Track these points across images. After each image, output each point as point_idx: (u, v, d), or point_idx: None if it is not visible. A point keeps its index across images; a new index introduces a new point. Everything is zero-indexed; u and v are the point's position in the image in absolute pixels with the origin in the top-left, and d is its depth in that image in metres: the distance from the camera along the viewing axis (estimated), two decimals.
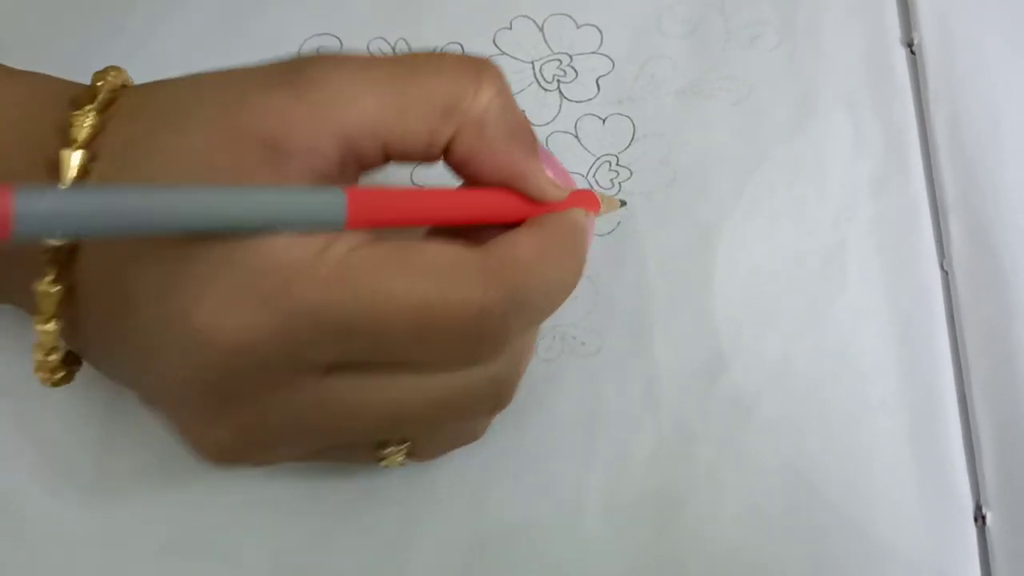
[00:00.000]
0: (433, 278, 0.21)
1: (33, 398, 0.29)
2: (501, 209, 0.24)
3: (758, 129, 0.33)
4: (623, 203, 0.31)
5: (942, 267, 0.32)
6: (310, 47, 0.35)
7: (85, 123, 0.22)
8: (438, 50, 0.35)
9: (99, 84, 0.24)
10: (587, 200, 0.26)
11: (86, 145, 0.22)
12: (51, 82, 0.25)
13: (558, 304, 0.24)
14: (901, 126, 0.33)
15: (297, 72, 0.21)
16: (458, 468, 0.29)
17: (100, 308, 0.22)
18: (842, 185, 0.33)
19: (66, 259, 0.22)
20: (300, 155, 0.21)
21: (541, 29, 0.35)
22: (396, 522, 0.29)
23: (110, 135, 0.23)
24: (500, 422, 0.29)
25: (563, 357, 0.30)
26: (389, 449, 0.25)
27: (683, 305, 0.31)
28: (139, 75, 0.25)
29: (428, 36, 0.35)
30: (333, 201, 0.21)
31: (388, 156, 0.23)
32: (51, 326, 0.22)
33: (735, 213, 0.32)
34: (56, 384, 0.24)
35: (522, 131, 0.24)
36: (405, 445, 0.25)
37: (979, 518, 0.29)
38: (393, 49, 0.35)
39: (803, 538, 0.29)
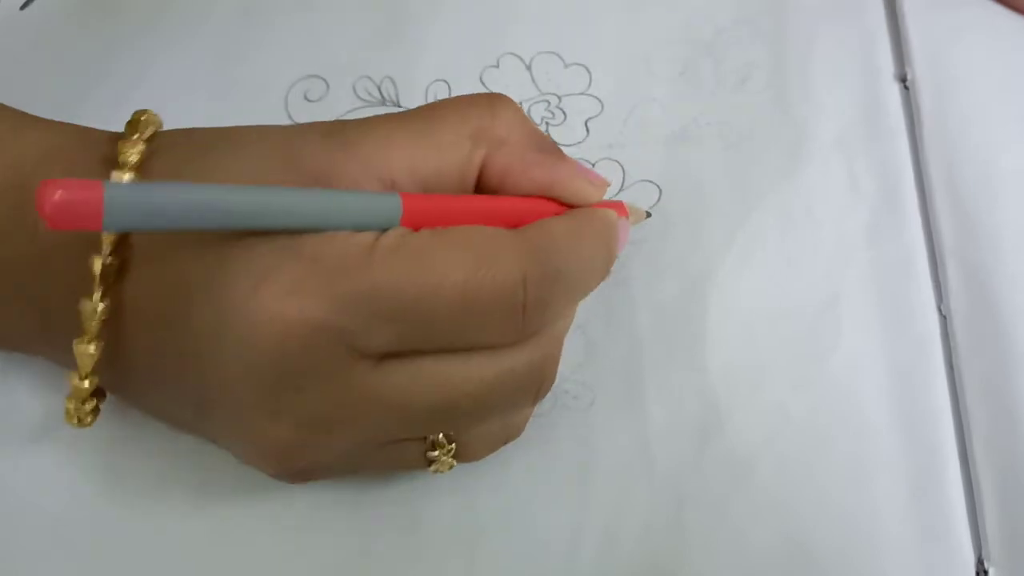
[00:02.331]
0: (476, 249, 0.22)
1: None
2: (542, 213, 0.25)
3: (749, 175, 0.33)
4: (648, 214, 0.32)
5: (940, 311, 0.31)
6: (298, 90, 0.35)
7: (134, 150, 0.23)
8: (425, 88, 0.35)
9: (142, 118, 0.25)
10: (617, 207, 0.27)
11: (136, 169, 0.23)
12: (94, 130, 0.26)
13: (590, 286, 0.25)
14: (895, 168, 0.33)
15: (342, 130, 0.24)
16: (448, 526, 0.29)
17: (153, 316, 0.23)
18: (835, 232, 0.32)
19: (113, 278, 0.23)
20: None
21: (529, 68, 0.35)
22: None
23: (159, 160, 0.24)
24: (490, 477, 0.29)
25: (555, 412, 0.30)
26: (438, 451, 0.26)
27: (676, 359, 0.31)
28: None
29: (414, 75, 0.35)
30: (390, 203, 0.22)
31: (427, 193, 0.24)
32: (92, 348, 0.23)
33: (726, 263, 0.32)
34: (82, 420, 0.24)
35: (546, 142, 0.26)
36: (452, 446, 0.26)
37: (981, 572, 0.28)
38: (379, 88, 0.35)
39: None
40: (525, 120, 0.26)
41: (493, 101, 0.25)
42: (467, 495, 0.29)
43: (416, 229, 0.23)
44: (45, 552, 0.28)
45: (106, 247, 0.23)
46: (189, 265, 0.22)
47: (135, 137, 0.24)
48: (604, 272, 0.26)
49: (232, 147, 0.24)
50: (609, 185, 0.27)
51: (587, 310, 0.30)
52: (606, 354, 0.31)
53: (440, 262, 0.22)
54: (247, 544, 0.28)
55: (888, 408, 0.30)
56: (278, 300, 0.21)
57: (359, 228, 0.22)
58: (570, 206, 0.26)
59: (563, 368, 0.30)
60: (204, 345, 0.22)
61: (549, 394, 0.30)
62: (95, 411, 0.25)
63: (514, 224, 0.24)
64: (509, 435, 0.27)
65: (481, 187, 0.25)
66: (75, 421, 0.24)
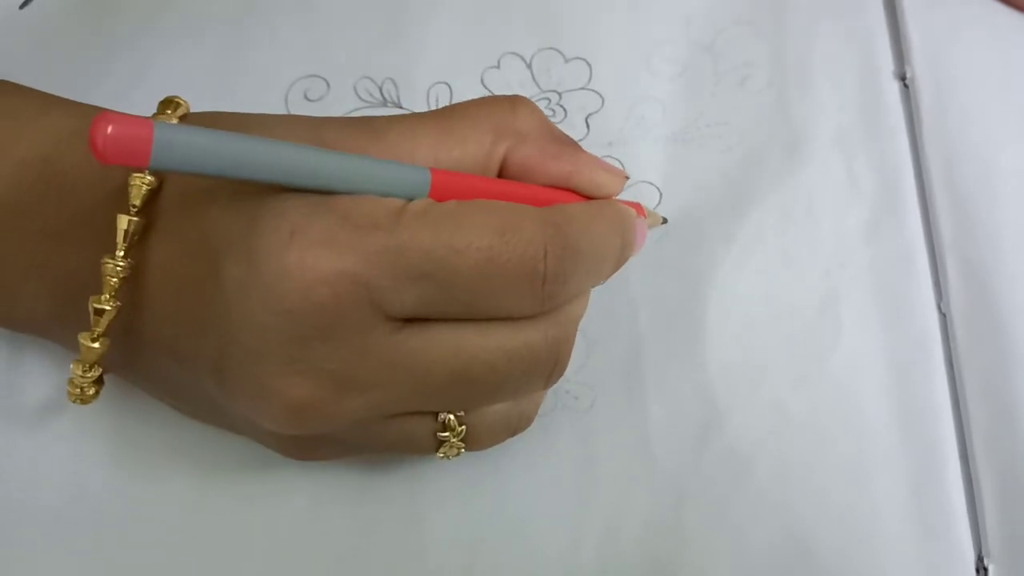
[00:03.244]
0: (499, 219, 0.23)
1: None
2: (563, 201, 0.26)
3: (748, 175, 0.33)
4: (664, 220, 0.32)
5: (940, 309, 0.31)
6: (298, 89, 0.35)
7: (174, 115, 0.25)
8: (427, 89, 0.35)
9: (173, 100, 0.25)
10: (636, 207, 0.28)
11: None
12: (114, 112, 0.26)
13: (604, 269, 0.26)
14: (895, 166, 0.33)
15: (367, 122, 0.25)
16: (449, 526, 0.29)
17: (177, 271, 0.24)
18: (835, 231, 0.32)
19: (138, 237, 0.24)
20: None
21: (529, 66, 0.35)
22: None
23: (196, 120, 0.25)
24: (491, 478, 0.29)
25: (556, 412, 0.30)
26: (448, 433, 0.26)
27: (676, 358, 0.31)
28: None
29: (415, 76, 0.35)
30: (419, 175, 0.23)
31: None
32: (109, 305, 0.23)
33: (726, 262, 0.32)
34: (85, 401, 0.25)
35: (564, 136, 0.27)
36: (462, 428, 0.26)
37: (981, 569, 0.29)
38: (380, 89, 0.35)
39: None
40: (543, 117, 0.26)
41: (514, 100, 0.26)
42: (468, 494, 0.29)
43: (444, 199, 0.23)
44: (47, 540, 0.28)
45: (136, 202, 0.24)
46: (220, 222, 0.23)
47: (169, 113, 0.25)
48: (618, 258, 0.26)
49: (262, 128, 0.24)
50: (628, 178, 0.27)
51: (588, 311, 0.30)
52: (607, 354, 0.31)
53: (467, 226, 0.22)
54: (247, 541, 0.28)
55: (888, 406, 0.30)
56: (309, 251, 0.21)
57: (388, 195, 0.23)
58: (588, 198, 0.27)
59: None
60: (232, 297, 0.22)
61: (551, 395, 0.30)
62: (98, 383, 0.25)
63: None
64: (520, 423, 0.27)
65: (503, 176, 0.26)
66: (78, 392, 0.25)
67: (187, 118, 0.25)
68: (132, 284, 0.24)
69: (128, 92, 0.34)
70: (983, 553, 0.29)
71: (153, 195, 0.24)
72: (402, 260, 0.22)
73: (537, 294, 0.23)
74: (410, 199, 0.23)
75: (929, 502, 0.29)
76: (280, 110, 0.34)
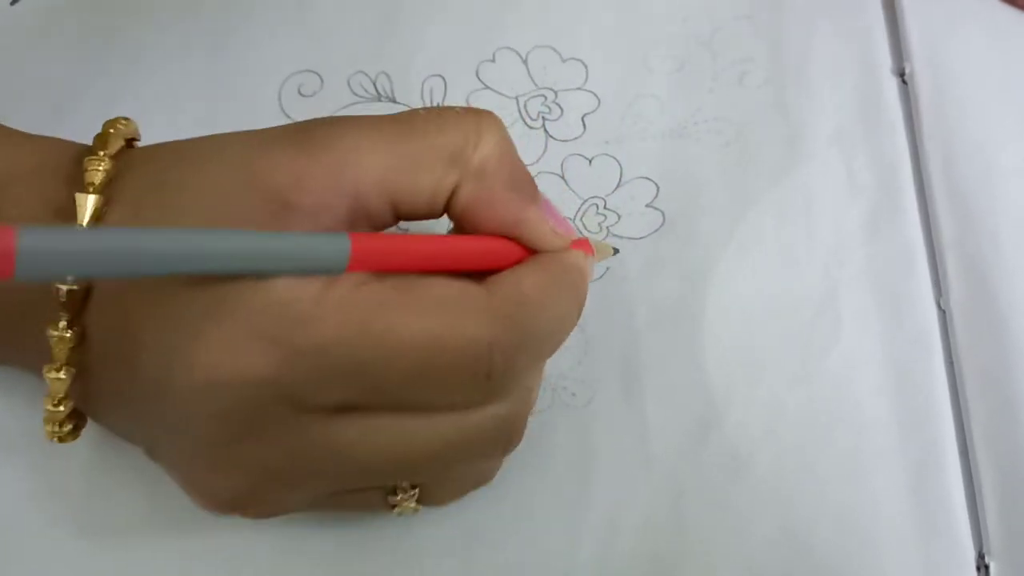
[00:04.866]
0: (441, 313, 0.21)
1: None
2: (502, 256, 0.24)
3: (746, 172, 0.33)
4: (616, 251, 0.30)
5: (939, 306, 0.31)
6: (292, 84, 0.34)
7: (100, 168, 0.23)
8: (421, 83, 0.34)
9: (111, 131, 0.24)
10: (583, 247, 0.26)
11: (101, 190, 0.22)
12: (65, 143, 0.25)
13: (560, 341, 0.24)
14: (894, 163, 0.33)
15: (309, 133, 0.22)
16: (446, 526, 0.28)
17: (109, 352, 0.22)
18: (834, 227, 0.32)
19: (80, 305, 0.22)
20: (309, 212, 0.21)
21: (525, 62, 0.35)
22: None
23: (124, 180, 0.23)
24: None
25: (554, 409, 0.30)
26: (400, 496, 0.25)
27: (674, 355, 0.30)
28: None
29: (410, 70, 0.35)
30: (338, 244, 0.21)
31: (396, 212, 0.23)
32: (62, 374, 0.22)
33: (724, 259, 0.32)
34: (62, 439, 0.24)
35: (523, 180, 0.24)
36: (415, 491, 0.25)
37: (981, 567, 0.28)
38: (374, 83, 0.34)
39: None
40: (508, 149, 0.24)
41: (480, 122, 0.23)
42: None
43: (368, 270, 0.21)
44: (32, 565, 0.28)
45: (63, 316, 0.22)
46: (140, 306, 0.21)
47: (101, 154, 0.23)
48: (574, 325, 0.24)
49: (192, 165, 0.23)
50: (575, 238, 0.25)
51: (586, 308, 0.30)
52: (604, 351, 0.31)
53: (399, 324, 0.20)
54: (240, 546, 0.28)
55: (887, 402, 0.30)
56: (215, 354, 0.20)
57: (304, 272, 0.20)
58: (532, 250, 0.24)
59: (562, 365, 0.30)
60: (151, 390, 0.21)
61: (547, 392, 0.30)
62: (75, 430, 0.24)
63: (474, 266, 0.23)
64: (477, 481, 0.26)
65: (449, 209, 0.24)
66: (56, 440, 0.24)
67: (122, 154, 0.24)
68: (78, 348, 0.23)
69: (121, 87, 0.34)
70: (984, 550, 0.29)
71: (86, 295, 0.22)
72: (324, 360, 0.20)
73: (482, 389, 0.22)
74: (331, 272, 0.21)
75: (929, 499, 0.29)
76: (274, 106, 0.34)
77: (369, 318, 0.20)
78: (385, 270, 0.22)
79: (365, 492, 0.25)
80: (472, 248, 0.23)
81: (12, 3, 0.35)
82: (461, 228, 0.24)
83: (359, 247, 0.21)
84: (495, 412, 0.23)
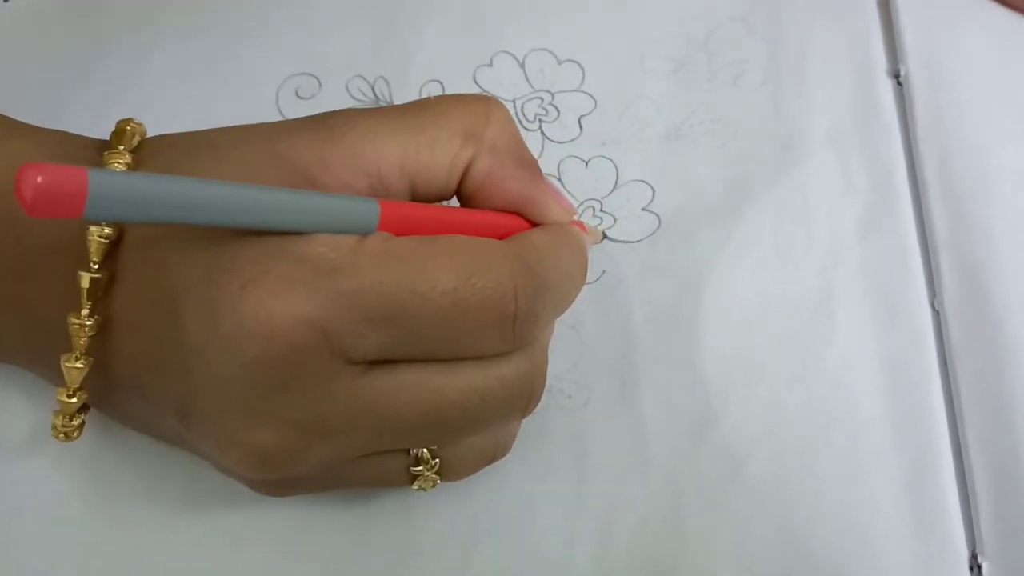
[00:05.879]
0: (470, 258, 0.22)
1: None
2: (512, 229, 0.25)
3: (743, 173, 0.33)
4: (605, 235, 0.32)
5: (933, 307, 0.31)
6: (289, 87, 0.34)
7: (121, 161, 0.24)
8: (419, 87, 0.34)
9: (127, 128, 0.25)
10: (579, 226, 0.28)
11: None
12: (78, 137, 0.26)
13: (570, 300, 0.26)
14: (888, 163, 0.33)
15: (327, 121, 0.24)
16: (443, 525, 0.29)
17: (140, 323, 0.23)
18: (829, 228, 0.32)
19: (102, 291, 0.23)
20: (332, 190, 0.23)
21: (522, 65, 0.35)
22: None
23: (146, 167, 0.24)
24: (486, 478, 0.28)
25: (550, 411, 0.30)
26: (422, 467, 0.25)
27: (671, 357, 0.31)
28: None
29: (407, 74, 0.35)
30: (368, 208, 0.22)
31: (413, 191, 0.24)
32: (80, 363, 0.23)
33: (721, 261, 0.32)
34: (68, 435, 0.24)
35: (529, 158, 0.26)
36: (436, 462, 0.25)
37: (975, 567, 0.29)
38: (372, 87, 0.34)
39: None
40: (514, 130, 0.26)
41: (489, 104, 0.25)
42: (463, 494, 0.29)
43: (395, 232, 0.23)
44: (34, 564, 0.28)
45: (95, 258, 0.23)
46: (180, 269, 0.22)
47: (121, 148, 0.24)
48: (581, 285, 0.26)
49: (214, 151, 0.23)
50: (576, 214, 0.27)
51: (581, 309, 0.30)
52: (601, 352, 0.31)
53: (430, 268, 0.22)
54: (241, 547, 0.28)
55: (882, 402, 0.30)
56: (265, 300, 0.21)
57: (336, 231, 0.22)
58: (533, 224, 0.26)
59: (558, 367, 0.30)
60: (192, 347, 0.22)
61: (544, 393, 0.30)
62: (81, 426, 0.24)
63: (487, 236, 0.24)
64: (496, 453, 0.27)
65: (461, 186, 0.25)
66: (62, 436, 0.24)
67: (142, 146, 0.24)
68: (99, 335, 0.23)
69: (121, 89, 0.34)
70: (977, 550, 0.29)
71: (113, 246, 0.23)
72: (362, 305, 0.21)
73: (508, 335, 0.23)
74: (361, 232, 0.22)
75: (923, 499, 0.29)
76: (271, 107, 0.34)
77: (403, 263, 0.21)
78: (410, 234, 0.23)
79: (387, 458, 0.25)
80: (485, 219, 0.25)
81: (5, 0, 0.35)
82: (472, 204, 0.25)
83: (388, 209, 0.22)
84: (517, 364, 0.24)
